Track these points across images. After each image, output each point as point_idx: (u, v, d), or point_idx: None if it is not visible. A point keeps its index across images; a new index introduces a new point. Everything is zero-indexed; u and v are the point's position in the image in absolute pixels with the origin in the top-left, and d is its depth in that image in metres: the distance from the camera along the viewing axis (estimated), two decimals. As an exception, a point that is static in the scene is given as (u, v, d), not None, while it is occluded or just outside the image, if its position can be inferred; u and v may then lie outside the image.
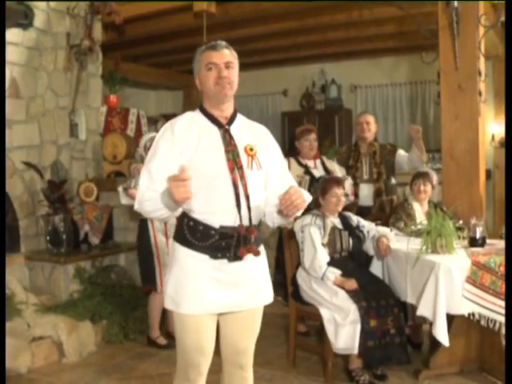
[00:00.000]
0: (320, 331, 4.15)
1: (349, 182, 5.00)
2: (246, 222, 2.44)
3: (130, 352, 4.69)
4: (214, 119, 2.51)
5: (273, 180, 2.55)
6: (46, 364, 4.40)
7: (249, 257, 2.48)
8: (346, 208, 4.96)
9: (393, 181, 5.27)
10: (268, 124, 10.58)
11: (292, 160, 5.05)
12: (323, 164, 5.10)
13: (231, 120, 2.54)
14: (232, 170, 2.43)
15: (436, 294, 3.56)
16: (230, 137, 2.49)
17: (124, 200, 4.59)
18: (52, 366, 4.40)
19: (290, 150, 5.22)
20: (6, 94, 5.17)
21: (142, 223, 4.75)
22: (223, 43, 2.52)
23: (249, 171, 2.47)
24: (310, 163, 5.06)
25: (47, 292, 5.17)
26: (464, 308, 3.63)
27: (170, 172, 2.27)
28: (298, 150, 5.09)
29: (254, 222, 2.48)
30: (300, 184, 4.89)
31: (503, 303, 3.61)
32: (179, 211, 2.40)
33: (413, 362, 4.05)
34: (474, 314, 3.68)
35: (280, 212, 2.41)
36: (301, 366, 4.27)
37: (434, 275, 3.59)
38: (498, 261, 3.64)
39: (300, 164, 5.03)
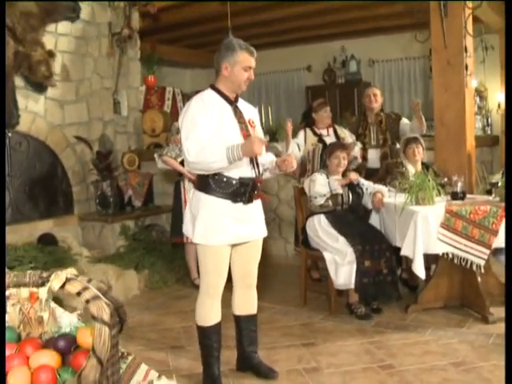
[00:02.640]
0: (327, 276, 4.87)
1: (358, 147, 5.64)
2: (257, 174, 3.28)
3: (168, 295, 5.53)
4: (226, 97, 3.30)
5: None
6: (99, 304, 5.26)
7: (255, 201, 3.32)
8: (355, 170, 5.64)
9: (397, 146, 5.86)
10: (294, 97, 11.14)
11: (308, 130, 5.74)
12: (335, 132, 5.76)
13: (236, 100, 3.33)
14: (246, 138, 3.22)
15: (415, 237, 4.23)
16: (240, 112, 3.29)
17: (160, 164, 5.36)
18: (104, 305, 5.26)
19: (306, 121, 5.87)
20: (59, 78, 5.99)
21: (176, 185, 5.55)
22: (255, 50, 3.27)
23: None
24: (324, 132, 5.70)
25: (97, 247, 6.06)
26: (438, 248, 4.30)
27: (211, 135, 3.09)
28: (314, 120, 5.74)
29: (261, 174, 3.33)
30: (314, 150, 5.61)
31: (474, 245, 4.28)
32: (231, 166, 3.13)
33: (407, 300, 4.76)
34: (448, 254, 4.34)
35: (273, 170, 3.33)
36: (311, 303, 5.02)
37: (414, 221, 4.26)
38: (469, 210, 4.27)
39: (315, 133, 5.68)
